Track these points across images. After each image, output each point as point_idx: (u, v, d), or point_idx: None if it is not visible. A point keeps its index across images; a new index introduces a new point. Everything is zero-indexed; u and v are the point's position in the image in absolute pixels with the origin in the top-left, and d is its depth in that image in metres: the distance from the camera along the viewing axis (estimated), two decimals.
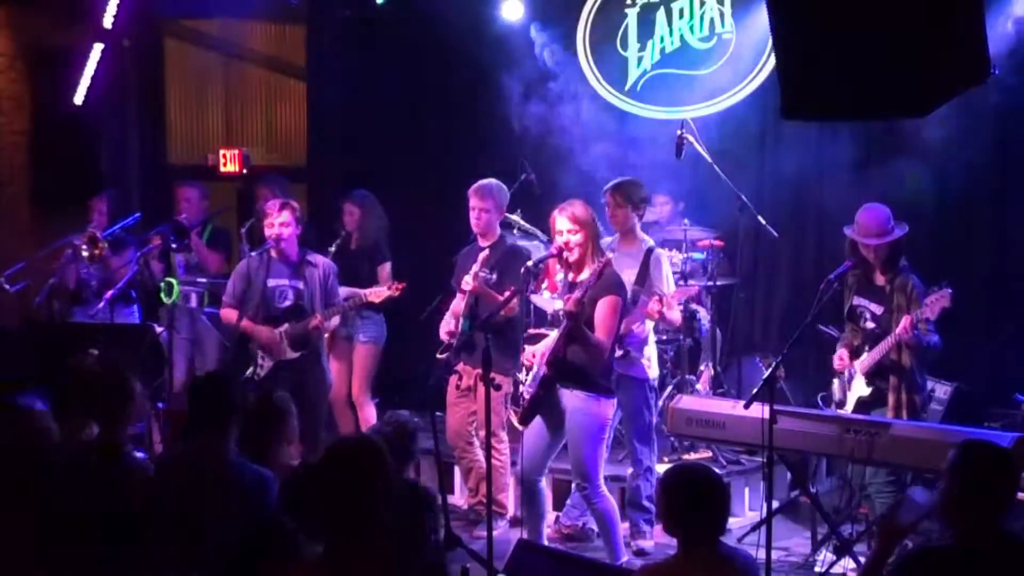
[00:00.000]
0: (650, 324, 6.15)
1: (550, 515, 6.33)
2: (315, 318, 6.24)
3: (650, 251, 6.16)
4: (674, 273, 6.83)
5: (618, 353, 5.92)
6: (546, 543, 5.70)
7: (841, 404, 5.84)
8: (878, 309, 5.71)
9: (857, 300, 5.82)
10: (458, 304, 6.29)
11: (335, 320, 6.49)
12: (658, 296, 5.92)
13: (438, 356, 6.36)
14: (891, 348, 5.56)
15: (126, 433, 4.29)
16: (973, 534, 3.29)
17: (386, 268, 7.07)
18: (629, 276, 6.02)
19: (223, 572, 3.74)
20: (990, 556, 3.25)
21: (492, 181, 6.37)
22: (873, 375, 5.69)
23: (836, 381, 5.93)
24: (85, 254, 7.47)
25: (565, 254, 5.32)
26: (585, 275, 5.29)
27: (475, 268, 6.13)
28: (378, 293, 6.38)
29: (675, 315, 6.18)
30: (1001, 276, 7.21)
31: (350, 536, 3.04)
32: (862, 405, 5.72)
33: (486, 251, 6.25)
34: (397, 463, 4.38)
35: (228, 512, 3.90)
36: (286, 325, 6.27)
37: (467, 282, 6.11)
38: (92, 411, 4.21)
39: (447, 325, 6.36)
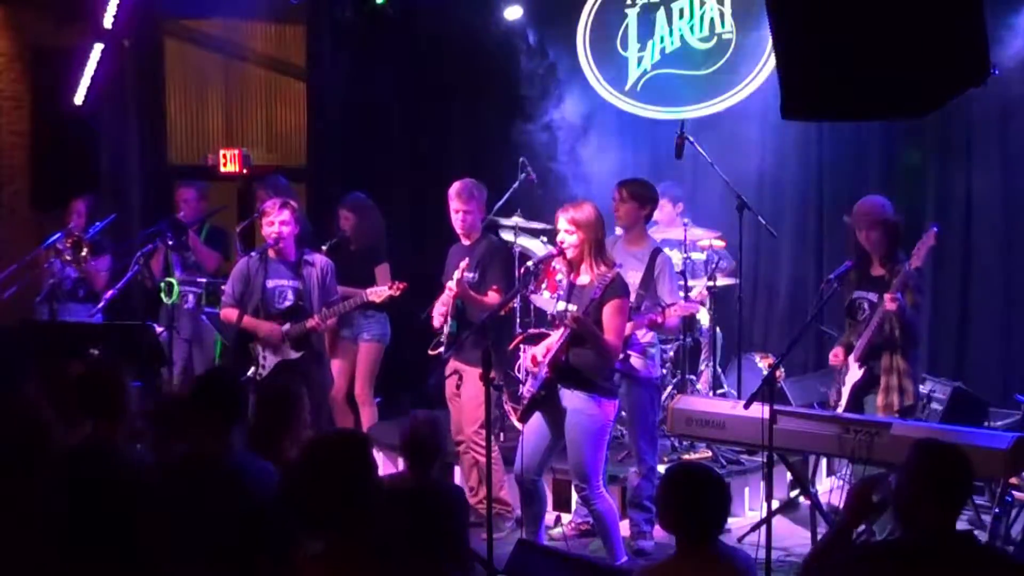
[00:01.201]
0: None
1: (556, 514, 6.35)
2: (312, 319, 6.23)
3: (656, 253, 6.15)
4: (675, 273, 6.84)
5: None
6: (547, 542, 5.70)
7: (838, 404, 5.85)
8: (876, 298, 5.74)
9: (857, 294, 5.86)
10: (444, 303, 6.31)
11: (332, 320, 6.48)
12: (661, 308, 5.91)
13: (430, 352, 6.38)
14: (879, 326, 5.61)
15: (122, 430, 4.29)
16: (922, 532, 3.32)
17: (384, 269, 7.07)
18: (634, 277, 6.02)
19: (221, 569, 3.74)
20: (938, 554, 3.27)
21: (470, 181, 6.34)
22: (867, 357, 5.72)
23: (832, 387, 5.94)
24: (68, 258, 7.51)
25: (564, 250, 5.34)
26: (584, 279, 5.30)
27: (457, 274, 6.12)
28: (379, 293, 6.38)
29: (673, 322, 6.17)
30: (1003, 276, 7.21)
31: (343, 532, 3.04)
32: (857, 392, 5.73)
33: (468, 255, 6.25)
34: (426, 464, 4.43)
35: (231, 509, 3.91)
36: (287, 325, 6.26)
37: (450, 287, 6.14)
38: (85, 409, 4.21)
39: (438, 310, 6.35)
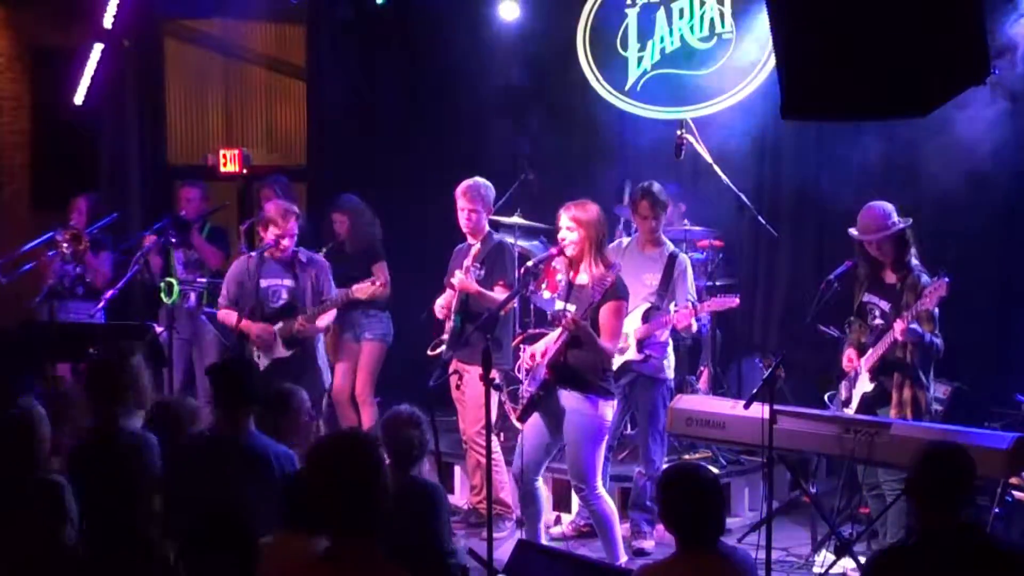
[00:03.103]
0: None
1: (556, 514, 6.35)
2: (299, 320, 6.25)
3: (673, 257, 6.17)
4: None
5: (639, 356, 5.97)
6: (547, 543, 5.70)
7: (847, 403, 5.84)
8: (887, 306, 5.72)
9: (868, 297, 5.83)
10: (447, 298, 6.33)
11: (324, 320, 6.47)
12: (690, 305, 5.95)
13: (429, 353, 6.39)
14: (891, 344, 5.58)
15: (127, 416, 4.32)
16: (937, 532, 3.38)
17: (381, 266, 7.08)
18: (651, 280, 6.09)
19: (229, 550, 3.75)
20: (952, 552, 3.34)
21: (478, 180, 6.37)
22: (877, 372, 5.70)
23: (844, 381, 5.93)
24: (67, 251, 7.51)
25: (564, 248, 5.34)
26: (584, 278, 5.30)
27: (467, 262, 6.19)
28: (363, 290, 6.35)
29: (693, 323, 6.20)
30: (1003, 276, 7.20)
31: (349, 532, 3.04)
32: (866, 402, 5.73)
33: (476, 247, 6.30)
34: (408, 461, 4.40)
35: (248, 487, 3.97)
36: (280, 324, 6.30)
37: (458, 277, 6.17)
38: (90, 394, 4.26)
39: (440, 305, 6.38)
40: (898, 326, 5.49)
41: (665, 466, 6.14)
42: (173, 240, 7.35)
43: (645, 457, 6.15)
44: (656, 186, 6.26)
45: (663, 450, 6.19)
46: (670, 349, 6.22)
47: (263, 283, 6.35)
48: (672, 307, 6.10)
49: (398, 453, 4.38)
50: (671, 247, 6.31)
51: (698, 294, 7.08)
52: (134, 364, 4.48)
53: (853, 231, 5.77)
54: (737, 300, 6.45)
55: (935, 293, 5.47)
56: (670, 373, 6.20)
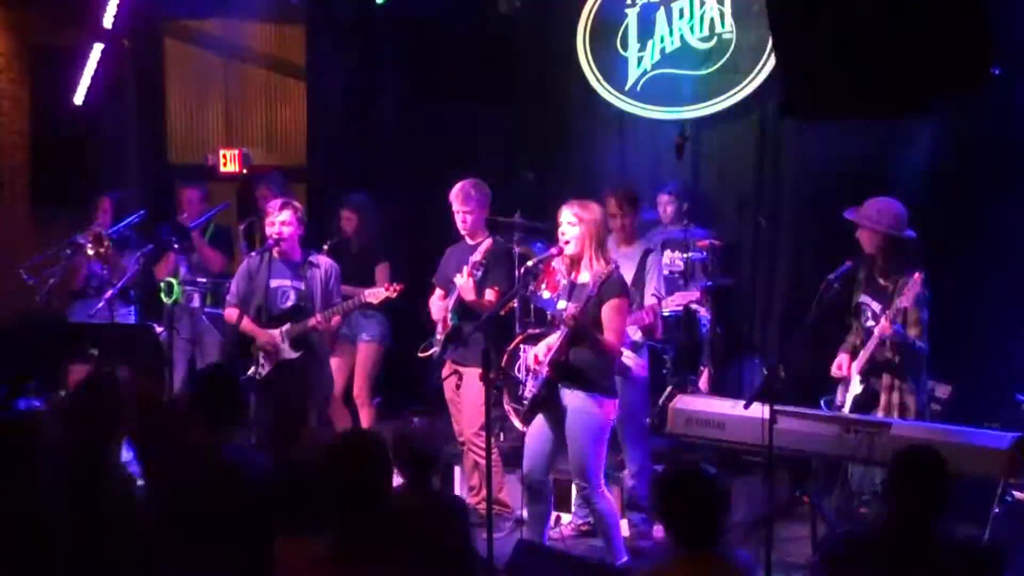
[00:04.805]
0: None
1: (556, 514, 6.35)
2: (314, 318, 6.25)
3: (647, 253, 6.20)
4: (675, 273, 6.87)
5: None
6: (552, 543, 5.70)
7: (841, 408, 5.85)
8: (879, 308, 5.73)
9: (863, 298, 5.85)
10: (441, 296, 6.34)
11: (335, 320, 6.50)
12: (656, 297, 5.95)
13: (420, 354, 6.40)
14: (879, 345, 5.59)
15: (117, 448, 4.22)
16: (904, 531, 3.47)
17: (384, 268, 7.08)
18: (626, 277, 6.06)
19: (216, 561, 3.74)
20: (918, 552, 3.44)
21: (468, 182, 6.36)
22: (867, 373, 5.70)
23: (839, 385, 5.94)
24: (90, 252, 7.51)
25: (563, 246, 5.33)
26: (585, 276, 5.30)
27: (475, 257, 6.18)
28: (376, 294, 6.38)
29: (650, 320, 6.20)
30: (1002, 274, 7.20)
31: (354, 533, 3.04)
32: (857, 404, 5.73)
33: (485, 244, 6.29)
34: (422, 474, 4.33)
35: (229, 502, 3.93)
36: (287, 325, 6.29)
37: (459, 281, 6.17)
38: (81, 423, 4.15)
39: (437, 307, 6.37)
40: (884, 323, 5.50)
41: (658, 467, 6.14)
42: (175, 246, 7.35)
43: (627, 457, 6.16)
44: (626, 188, 6.31)
45: (644, 448, 6.18)
46: (644, 348, 6.21)
47: (272, 283, 6.33)
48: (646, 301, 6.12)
49: (412, 468, 4.20)
50: (647, 245, 6.33)
51: (699, 299, 7.09)
52: (121, 392, 4.32)
53: (852, 213, 5.77)
54: (698, 294, 6.49)
55: (911, 290, 5.50)
56: (646, 370, 6.19)
